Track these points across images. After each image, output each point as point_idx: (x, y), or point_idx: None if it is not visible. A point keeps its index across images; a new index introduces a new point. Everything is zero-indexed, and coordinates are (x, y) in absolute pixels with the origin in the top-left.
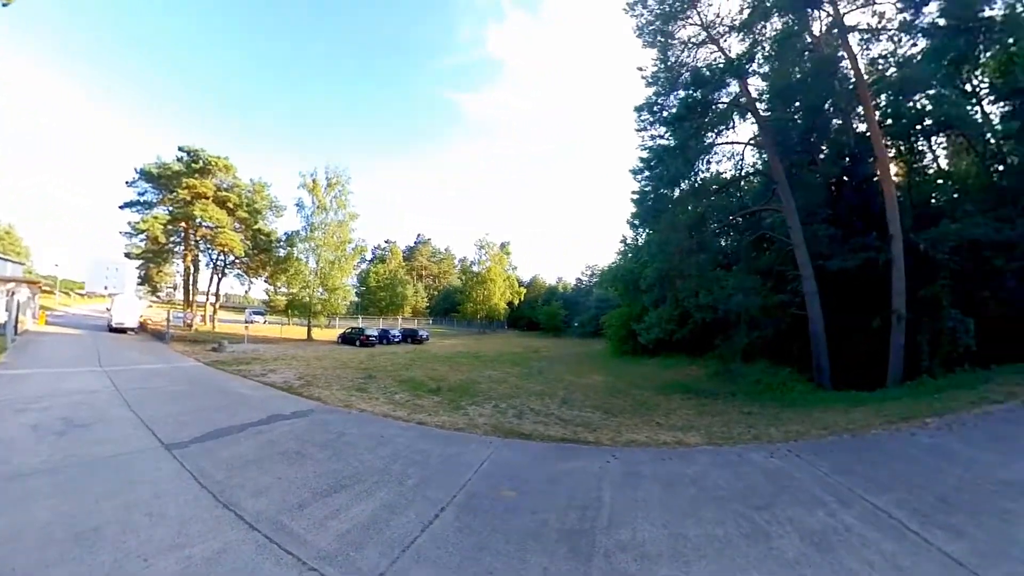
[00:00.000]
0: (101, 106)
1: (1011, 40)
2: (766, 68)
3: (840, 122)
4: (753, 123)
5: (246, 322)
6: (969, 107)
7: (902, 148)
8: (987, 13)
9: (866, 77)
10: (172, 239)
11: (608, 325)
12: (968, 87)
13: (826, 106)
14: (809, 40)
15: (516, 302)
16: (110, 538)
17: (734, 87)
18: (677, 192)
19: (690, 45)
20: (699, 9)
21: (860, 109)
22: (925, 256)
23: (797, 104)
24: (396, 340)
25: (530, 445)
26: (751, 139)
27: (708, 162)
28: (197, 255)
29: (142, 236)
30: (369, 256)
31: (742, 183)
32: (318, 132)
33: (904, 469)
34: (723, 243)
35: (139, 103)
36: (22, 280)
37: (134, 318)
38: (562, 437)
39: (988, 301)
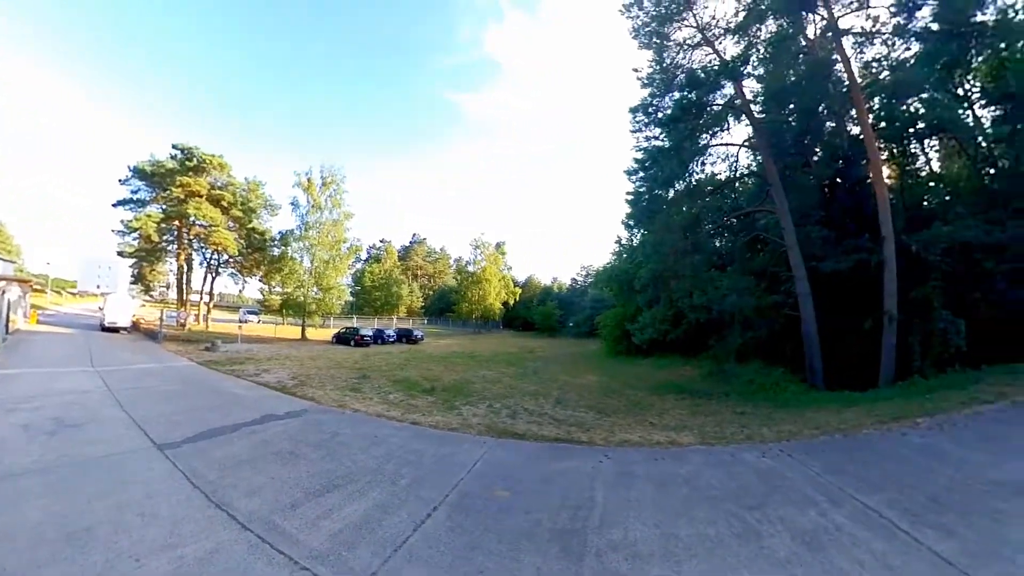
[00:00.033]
0: (101, 106)
1: (1003, 45)
2: (761, 70)
3: (834, 125)
4: (748, 125)
5: (240, 322)
6: (961, 111)
7: (895, 151)
8: (979, 18)
9: (860, 80)
10: (165, 238)
11: (603, 325)
12: (960, 91)
13: (820, 109)
14: (804, 43)
15: (511, 302)
16: (102, 538)
17: (729, 89)
18: (672, 193)
19: (685, 47)
20: (695, 11)
21: (853, 112)
22: (917, 258)
23: (791, 106)
24: (391, 340)
25: (524, 445)
26: (745, 141)
27: (703, 163)
28: (191, 254)
29: (135, 235)
30: (364, 255)
31: (736, 184)
32: (318, 132)
33: (895, 469)
34: (717, 244)
35: (139, 103)
36: (13, 278)
37: (127, 317)
38: (556, 437)
39: (979, 303)
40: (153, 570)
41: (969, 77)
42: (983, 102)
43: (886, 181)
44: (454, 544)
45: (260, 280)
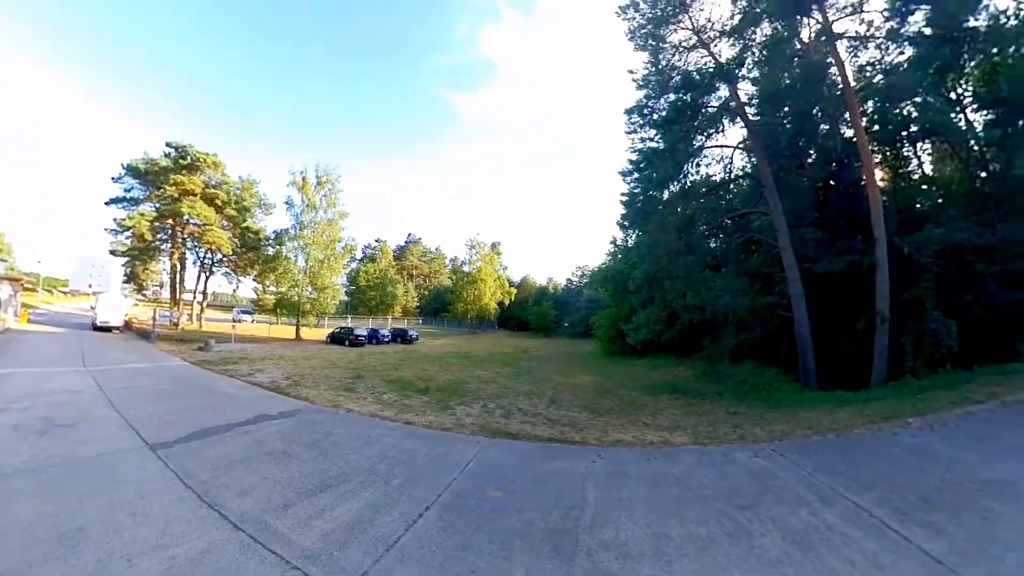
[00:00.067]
0: (101, 106)
1: (995, 50)
2: (756, 73)
3: (828, 127)
4: (742, 127)
5: (234, 321)
6: (953, 115)
7: (888, 154)
8: (972, 23)
9: (853, 84)
10: (159, 236)
11: (597, 326)
12: (953, 95)
13: (814, 111)
14: (798, 46)
15: (507, 302)
16: (94, 538)
17: (724, 91)
18: (666, 194)
19: (681, 49)
20: (691, 14)
21: (847, 115)
22: (909, 260)
23: (786, 109)
24: (386, 340)
25: (517, 445)
26: (740, 143)
27: (697, 165)
28: (184, 253)
29: (128, 233)
30: (359, 255)
31: (731, 186)
32: (318, 132)
33: (886, 468)
34: (712, 245)
35: (139, 103)
36: (3, 277)
37: (119, 316)
38: (549, 437)
39: (970, 304)
40: (145, 570)
41: (962, 81)
42: (975, 106)
43: (879, 183)
44: (446, 544)
45: (254, 279)
